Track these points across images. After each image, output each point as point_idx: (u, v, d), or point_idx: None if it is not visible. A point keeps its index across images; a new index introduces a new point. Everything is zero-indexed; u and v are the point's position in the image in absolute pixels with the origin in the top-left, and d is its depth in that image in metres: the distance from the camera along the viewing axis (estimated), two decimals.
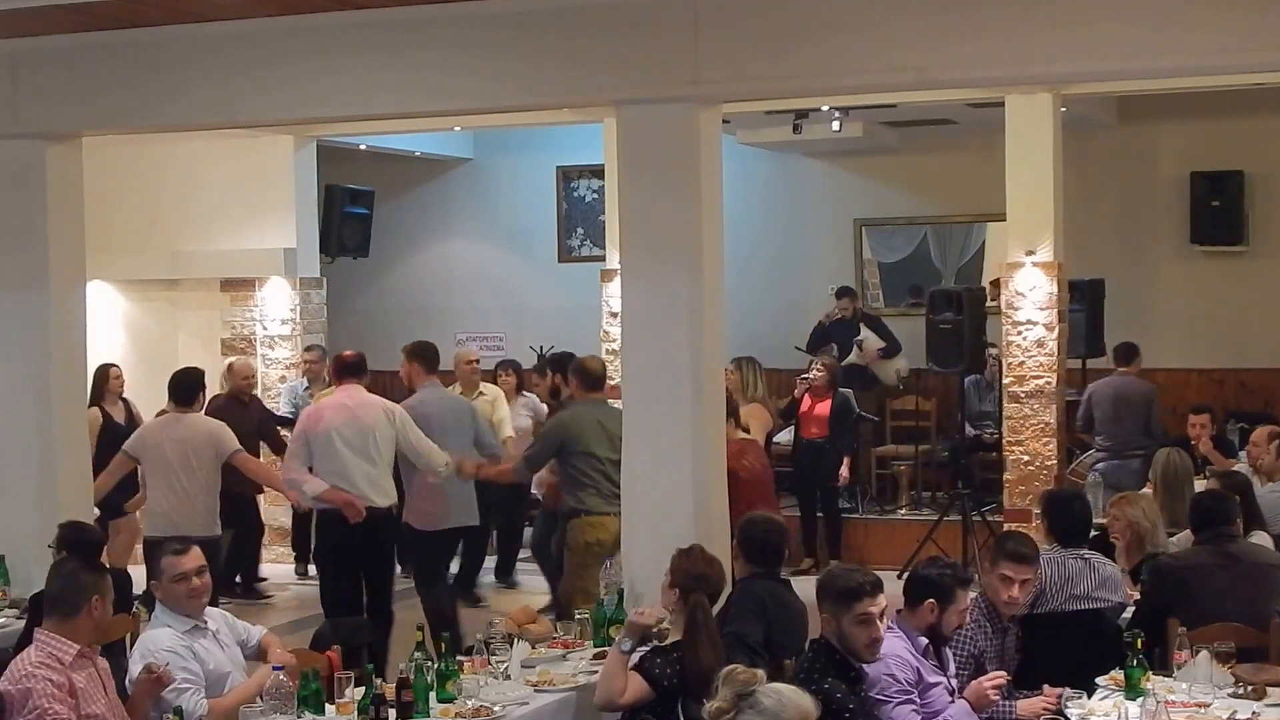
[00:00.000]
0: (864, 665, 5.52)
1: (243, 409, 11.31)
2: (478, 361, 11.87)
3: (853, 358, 13.59)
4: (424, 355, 9.57)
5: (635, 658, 6.02)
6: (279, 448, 11.20)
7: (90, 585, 5.42)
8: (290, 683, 5.59)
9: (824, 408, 12.20)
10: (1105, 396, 11.83)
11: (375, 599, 8.87)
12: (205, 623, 6.02)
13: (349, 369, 9.16)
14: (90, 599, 5.37)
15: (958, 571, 6.01)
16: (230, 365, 11.99)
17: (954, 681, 5.83)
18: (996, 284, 12.32)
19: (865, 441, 13.31)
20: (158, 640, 5.81)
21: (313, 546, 10.32)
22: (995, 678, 5.79)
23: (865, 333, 13.64)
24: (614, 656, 5.95)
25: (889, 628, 5.68)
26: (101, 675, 5.40)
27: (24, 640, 6.88)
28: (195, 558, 6.04)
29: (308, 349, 12.86)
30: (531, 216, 15.73)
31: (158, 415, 9.83)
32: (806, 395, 12.27)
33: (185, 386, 9.39)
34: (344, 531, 8.71)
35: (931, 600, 5.75)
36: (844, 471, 12.23)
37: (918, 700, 5.62)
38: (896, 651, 5.63)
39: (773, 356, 14.05)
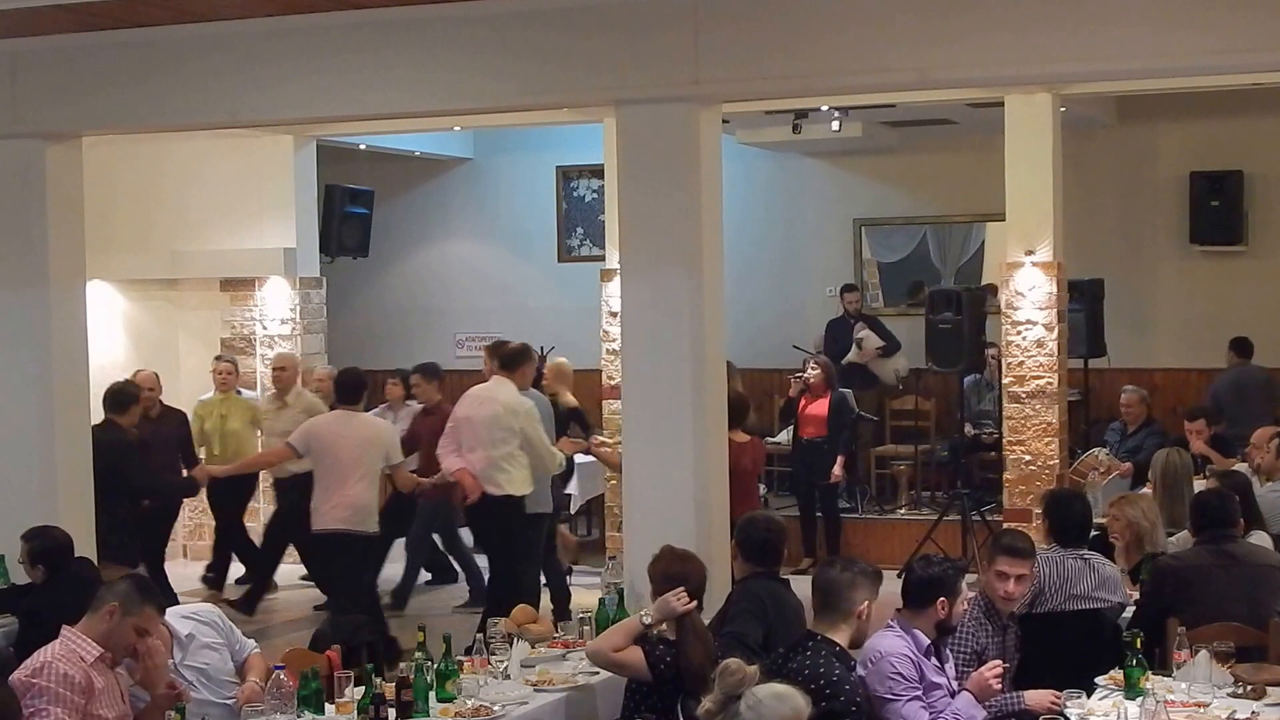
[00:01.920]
0: (861, 670, 5.57)
1: (148, 423, 10.45)
2: None
3: (852, 356, 13.58)
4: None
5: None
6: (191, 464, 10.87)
7: (117, 595, 5.40)
8: (290, 682, 5.59)
9: (821, 407, 12.17)
10: (1225, 387, 12.35)
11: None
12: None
13: (501, 362, 9.48)
14: (107, 603, 5.35)
15: (954, 563, 6.11)
16: (134, 374, 11.10)
17: (955, 685, 5.84)
18: (995, 288, 12.30)
19: (864, 441, 13.29)
20: None
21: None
22: (994, 666, 5.81)
23: (864, 331, 13.64)
24: (632, 620, 6.12)
25: (888, 626, 5.70)
26: (120, 685, 5.40)
27: (23, 637, 6.91)
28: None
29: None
30: (531, 216, 15.71)
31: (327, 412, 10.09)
32: (804, 395, 12.25)
33: (349, 386, 9.49)
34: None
35: (943, 598, 5.77)
36: (837, 470, 12.14)
37: (924, 698, 5.63)
38: (899, 650, 5.64)
39: (773, 357, 14.09)
